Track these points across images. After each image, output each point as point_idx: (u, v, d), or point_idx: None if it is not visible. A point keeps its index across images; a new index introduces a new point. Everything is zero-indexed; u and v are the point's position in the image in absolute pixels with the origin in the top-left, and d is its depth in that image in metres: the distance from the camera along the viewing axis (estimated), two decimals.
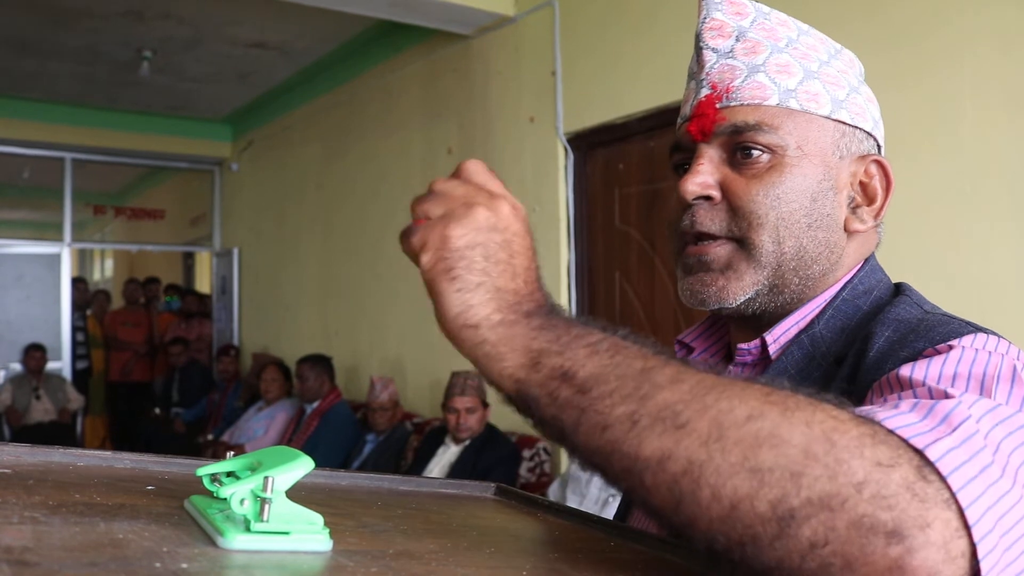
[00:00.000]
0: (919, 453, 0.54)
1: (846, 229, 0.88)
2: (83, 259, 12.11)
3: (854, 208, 0.88)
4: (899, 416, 0.58)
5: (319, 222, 6.64)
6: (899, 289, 0.89)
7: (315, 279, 6.70)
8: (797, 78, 0.85)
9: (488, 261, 0.62)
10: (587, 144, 4.15)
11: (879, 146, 0.91)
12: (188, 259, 10.62)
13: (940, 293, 2.90)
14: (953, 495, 0.52)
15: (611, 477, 0.57)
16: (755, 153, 0.84)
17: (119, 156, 8.21)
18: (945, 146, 2.72)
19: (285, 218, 7.21)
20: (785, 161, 0.84)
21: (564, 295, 4.21)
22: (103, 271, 12.71)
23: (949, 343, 0.71)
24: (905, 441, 0.55)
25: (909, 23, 2.83)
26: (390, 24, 5.30)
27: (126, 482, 0.69)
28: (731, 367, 0.92)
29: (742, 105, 0.85)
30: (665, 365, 0.58)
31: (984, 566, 0.52)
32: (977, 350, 0.70)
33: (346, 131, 6.25)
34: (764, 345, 0.88)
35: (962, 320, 0.78)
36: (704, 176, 0.85)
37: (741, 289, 0.85)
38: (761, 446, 0.53)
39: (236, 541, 0.52)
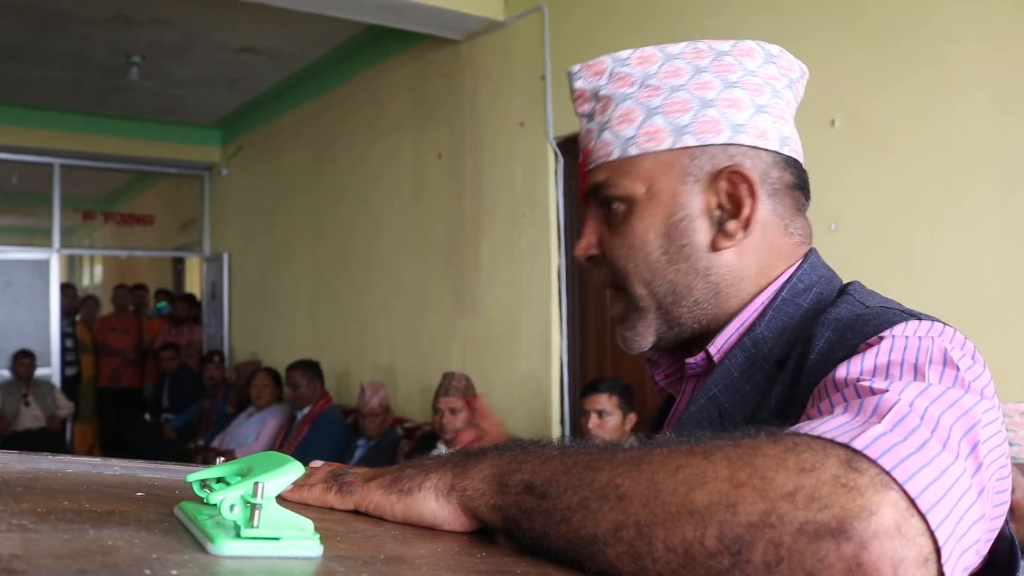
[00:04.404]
0: (846, 447, 0.55)
1: (715, 248, 0.88)
2: (72, 265, 12.06)
3: (721, 224, 0.88)
4: (827, 422, 0.59)
5: (309, 227, 6.63)
6: (845, 288, 0.88)
7: (305, 284, 6.69)
8: (636, 123, 0.89)
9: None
10: (577, 148, 4.15)
11: (755, 147, 0.88)
12: (178, 264, 10.59)
13: (925, 290, 2.92)
14: (890, 475, 0.53)
15: (586, 566, 0.59)
16: (615, 206, 0.91)
17: (108, 161, 8.19)
18: (932, 143, 2.74)
19: (275, 223, 7.20)
20: (636, 208, 0.89)
21: (555, 299, 4.22)
22: (92, 277, 12.65)
23: (880, 335, 0.72)
24: (831, 441, 0.56)
25: (896, 21, 2.84)
26: (379, 29, 5.30)
27: (115, 489, 0.69)
28: (687, 379, 0.95)
29: (596, 166, 0.92)
30: (604, 452, 0.63)
31: (940, 536, 0.52)
32: (908, 337, 0.70)
33: (336, 136, 6.25)
34: (709, 356, 0.89)
35: (899, 309, 0.78)
36: (587, 238, 0.94)
37: (640, 336, 0.92)
38: (693, 489, 0.56)
39: (226, 547, 0.51)
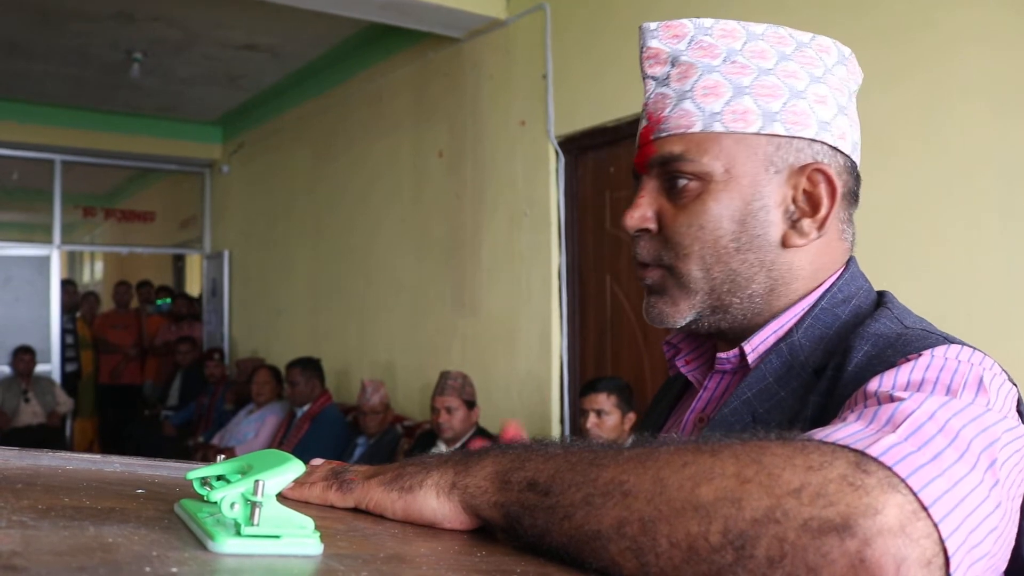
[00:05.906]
0: (857, 452, 0.55)
1: (785, 245, 0.86)
2: (72, 261, 12.06)
3: (795, 222, 0.86)
4: (841, 429, 0.59)
5: (309, 225, 6.63)
6: (881, 299, 0.87)
7: (305, 282, 6.69)
8: (724, 99, 0.84)
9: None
10: (578, 147, 4.15)
11: (834, 148, 0.87)
12: (178, 262, 10.59)
13: (926, 293, 2.91)
14: (903, 480, 0.53)
15: (587, 563, 0.59)
16: (682, 182, 0.86)
17: (109, 158, 8.18)
18: (932, 146, 2.74)
19: (276, 221, 7.20)
20: (711, 188, 0.85)
21: (555, 299, 4.22)
22: (92, 273, 12.66)
23: (920, 352, 0.72)
24: (841, 446, 0.56)
25: (896, 23, 2.84)
26: (381, 27, 5.30)
27: (116, 486, 0.69)
28: (712, 374, 0.93)
29: (670, 135, 0.86)
30: (609, 449, 0.64)
31: (950, 545, 0.52)
32: (947, 359, 0.70)
33: (336, 134, 6.24)
34: (743, 354, 0.88)
35: (941, 334, 0.77)
36: (642, 209, 0.89)
37: (678, 312, 0.88)
38: (699, 485, 0.56)
39: (226, 545, 0.52)
